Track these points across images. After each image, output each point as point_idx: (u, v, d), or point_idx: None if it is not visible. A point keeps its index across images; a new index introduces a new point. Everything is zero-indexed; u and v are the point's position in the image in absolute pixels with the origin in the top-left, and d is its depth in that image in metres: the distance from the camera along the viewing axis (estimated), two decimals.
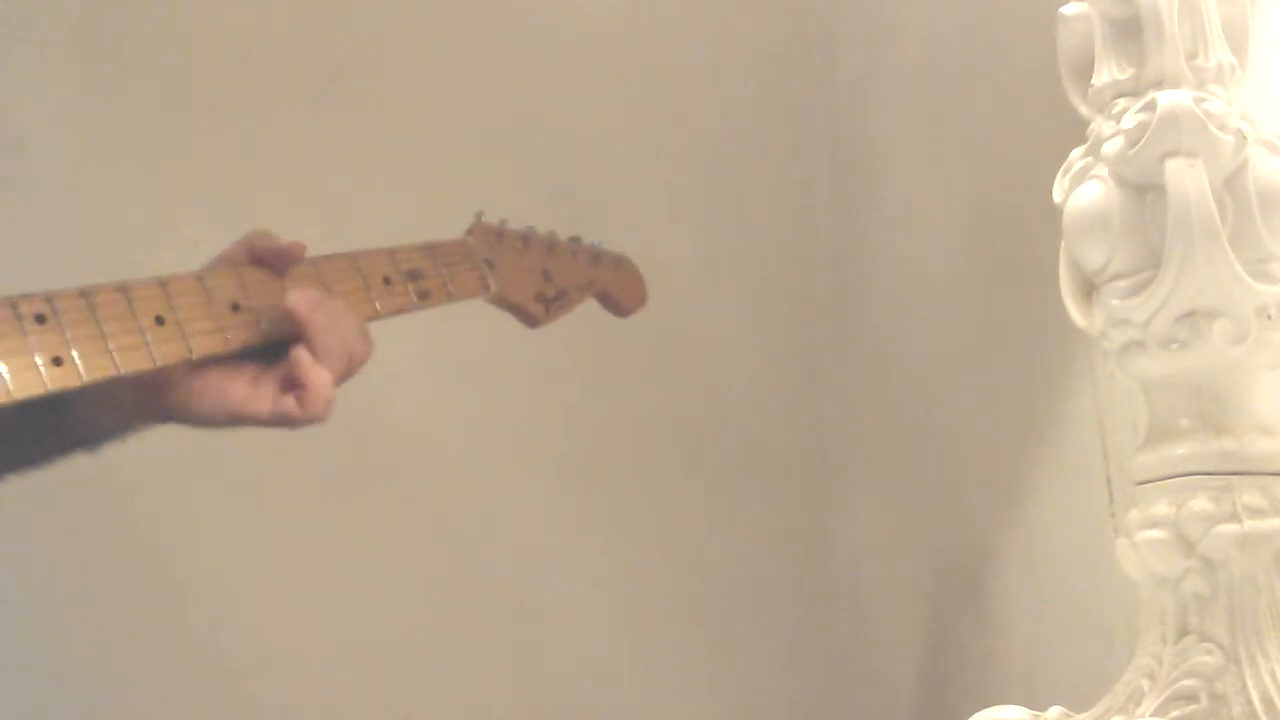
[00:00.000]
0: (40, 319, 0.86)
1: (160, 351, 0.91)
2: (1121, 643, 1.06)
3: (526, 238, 1.21)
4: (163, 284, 0.93)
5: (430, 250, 1.11)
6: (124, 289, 0.91)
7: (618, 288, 1.31)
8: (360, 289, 1.04)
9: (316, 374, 0.96)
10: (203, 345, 0.94)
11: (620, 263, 1.31)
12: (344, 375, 1.00)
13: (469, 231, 1.17)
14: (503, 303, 1.19)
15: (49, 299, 0.87)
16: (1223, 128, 0.82)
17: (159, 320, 0.91)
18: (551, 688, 1.62)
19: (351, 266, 1.05)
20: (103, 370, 0.88)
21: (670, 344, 1.70)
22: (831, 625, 1.69)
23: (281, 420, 0.97)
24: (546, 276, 1.22)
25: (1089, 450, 1.15)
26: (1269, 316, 0.81)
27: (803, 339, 1.74)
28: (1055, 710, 0.84)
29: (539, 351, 1.66)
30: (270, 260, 1.00)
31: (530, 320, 1.22)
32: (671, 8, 1.76)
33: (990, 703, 0.86)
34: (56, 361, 0.86)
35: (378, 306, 1.05)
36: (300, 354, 0.96)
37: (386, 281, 1.06)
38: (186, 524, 1.56)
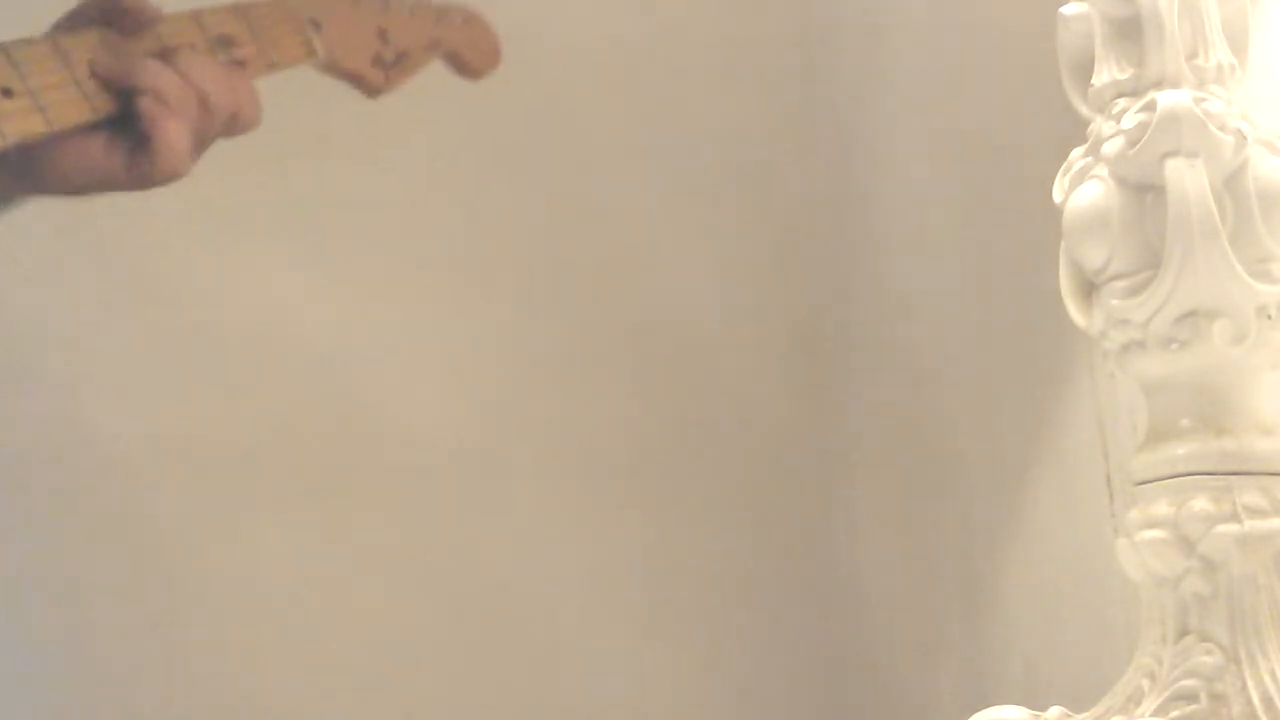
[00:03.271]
0: None
1: (13, 127, 0.81)
2: (1121, 643, 1.06)
3: None
4: (6, 53, 0.82)
5: (242, 11, 0.95)
6: None
7: (467, 47, 1.15)
8: None
9: (166, 128, 0.89)
10: (62, 116, 0.84)
11: (469, 19, 1.15)
12: (207, 128, 0.91)
13: None
14: (333, 69, 1.04)
15: None
16: (1223, 128, 0.82)
17: (6, 92, 0.81)
18: (550, 686, 1.62)
19: (153, 34, 0.91)
20: None
21: (669, 343, 1.70)
22: (831, 624, 1.69)
23: (140, 179, 0.90)
24: (383, 36, 1.06)
25: (1089, 450, 1.15)
26: (1269, 316, 0.81)
27: (803, 339, 1.74)
28: (1055, 710, 0.83)
29: (537, 350, 1.66)
30: (119, 20, 0.90)
31: (368, 89, 1.07)
32: (671, 8, 1.76)
33: (990, 703, 0.86)
34: None
35: None
36: (145, 104, 0.88)
37: (193, 50, 0.91)
38: (184, 525, 1.55)
